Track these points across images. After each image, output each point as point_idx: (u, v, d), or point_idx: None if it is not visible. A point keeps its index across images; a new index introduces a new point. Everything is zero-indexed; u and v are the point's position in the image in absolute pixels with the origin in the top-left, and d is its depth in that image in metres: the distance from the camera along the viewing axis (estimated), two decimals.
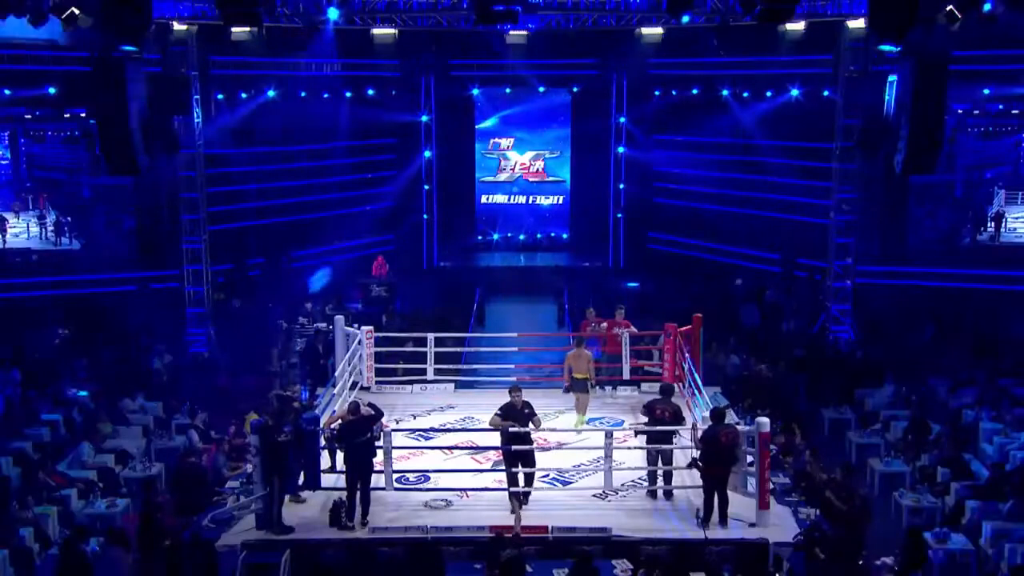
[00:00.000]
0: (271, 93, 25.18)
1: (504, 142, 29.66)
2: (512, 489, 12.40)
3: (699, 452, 12.09)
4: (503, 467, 12.67)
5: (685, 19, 16.99)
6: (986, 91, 23.28)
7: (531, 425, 12.49)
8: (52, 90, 22.42)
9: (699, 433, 12.30)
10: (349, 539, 11.64)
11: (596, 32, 20.71)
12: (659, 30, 19.32)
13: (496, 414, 12.61)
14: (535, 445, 12.99)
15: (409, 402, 16.37)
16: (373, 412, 12.35)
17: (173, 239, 21.80)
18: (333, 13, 17.43)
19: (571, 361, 15.16)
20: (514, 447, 12.45)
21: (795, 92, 24.75)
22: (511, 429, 12.44)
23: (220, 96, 23.98)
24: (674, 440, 12.88)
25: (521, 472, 12.51)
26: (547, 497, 12.64)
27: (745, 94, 26.18)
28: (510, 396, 12.66)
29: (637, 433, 13.20)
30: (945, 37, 14.69)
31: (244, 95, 24.77)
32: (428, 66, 26.90)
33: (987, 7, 14.38)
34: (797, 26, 18.38)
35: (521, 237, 29.93)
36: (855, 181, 21.11)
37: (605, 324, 16.48)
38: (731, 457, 11.98)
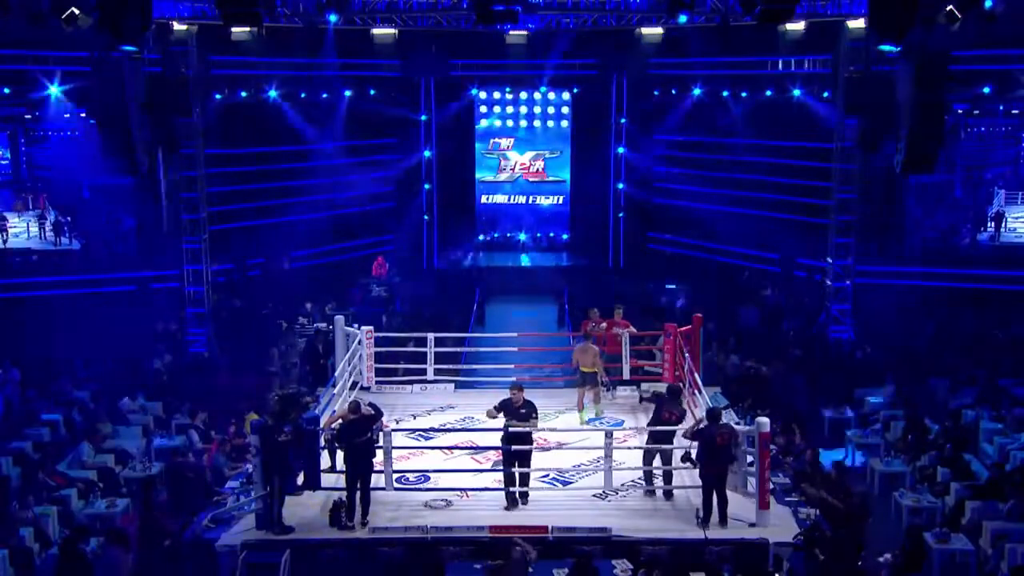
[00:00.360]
0: (272, 93, 25.19)
1: (504, 142, 29.64)
2: (511, 489, 12.42)
3: (694, 449, 12.11)
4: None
5: (683, 19, 16.98)
6: (986, 91, 23.28)
7: (529, 423, 12.48)
8: (53, 90, 22.39)
9: (695, 427, 12.35)
10: (349, 539, 11.64)
11: (596, 32, 20.71)
12: (659, 30, 19.34)
13: (493, 406, 12.69)
14: (535, 445, 13.03)
15: (409, 402, 16.37)
16: (373, 412, 12.36)
17: (173, 239, 21.79)
18: (333, 17, 17.46)
19: (577, 355, 15.28)
20: (513, 447, 12.46)
21: (795, 92, 24.74)
22: (511, 429, 12.47)
23: (220, 96, 23.98)
24: (674, 440, 12.90)
25: (517, 472, 12.54)
26: (547, 497, 12.65)
27: (744, 94, 26.17)
28: (510, 393, 12.69)
29: (642, 399, 13.03)
30: (945, 37, 14.69)
31: (244, 95, 24.77)
32: (428, 66, 26.89)
33: (988, 4, 14.38)
34: (797, 26, 18.38)
35: (521, 237, 29.92)
36: (855, 181, 21.11)
37: (605, 324, 16.49)
38: (728, 457, 11.98)
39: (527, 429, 12.54)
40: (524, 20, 17.53)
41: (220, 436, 15.73)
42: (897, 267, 23.87)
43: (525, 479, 12.60)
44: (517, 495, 12.45)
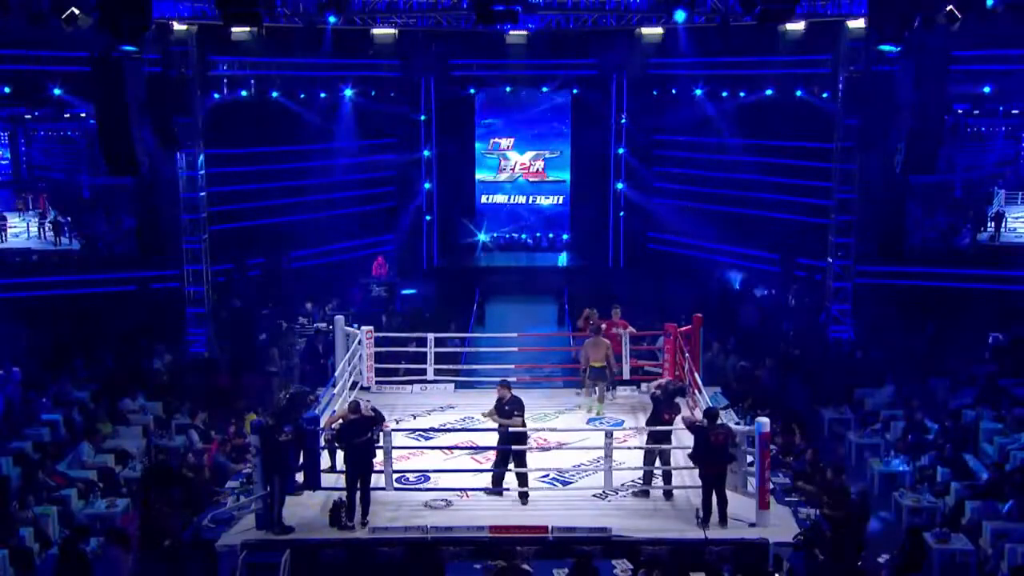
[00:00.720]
0: (272, 93, 25.17)
1: (504, 142, 29.64)
2: (495, 488, 12.57)
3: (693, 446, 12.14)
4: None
5: (681, 15, 16.96)
6: (986, 91, 23.27)
7: (512, 420, 12.55)
8: (56, 91, 22.39)
9: (693, 420, 12.39)
10: (349, 539, 11.65)
11: (596, 32, 20.70)
12: (659, 30, 19.33)
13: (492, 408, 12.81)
14: (535, 445, 13.05)
15: (409, 402, 16.37)
16: (374, 414, 12.35)
17: (173, 239, 21.80)
18: (332, 18, 17.48)
19: (588, 350, 15.27)
20: (501, 446, 12.59)
21: (796, 92, 24.72)
22: (511, 429, 12.51)
23: (219, 96, 23.98)
24: (673, 439, 12.92)
25: (514, 472, 12.59)
26: (547, 497, 12.66)
27: (743, 94, 26.15)
28: (497, 391, 12.81)
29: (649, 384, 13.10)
30: (945, 37, 14.70)
31: (244, 95, 24.78)
32: (428, 66, 26.89)
33: (989, 3, 14.39)
34: (797, 26, 18.37)
35: (522, 237, 29.93)
36: (855, 181, 21.11)
37: (604, 324, 16.48)
38: (727, 457, 11.97)
39: (514, 428, 12.55)
40: (524, 20, 17.53)
41: (220, 436, 15.73)
42: (897, 267, 23.86)
43: (521, 479, 12.61)
44: (517, 493, 12.50)
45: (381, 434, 12.44)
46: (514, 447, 12.58)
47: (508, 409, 12.60)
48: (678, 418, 12.83)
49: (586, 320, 16.71)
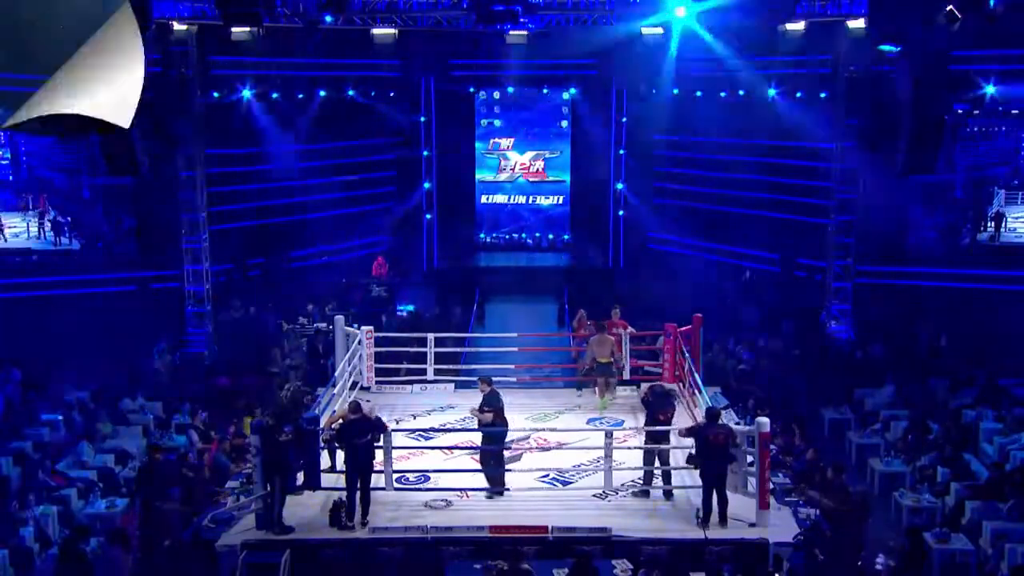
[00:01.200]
0: (273, 94, 25.18)
1: (504, 142, 29.61)
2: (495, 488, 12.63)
3: (693, 448, 12.14)
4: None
5: (681, 14, 16.96)
6: (988, 90, 23.27)
7: (482, 415, 12.68)
8: None
9: (692, 423, 12.40)
10: (349, 539, 11.65)
11: (596, 32, 20.71)
12: (659, 30, 19.34)
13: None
14: (535, 445, 13.06)
15: (409, 402, 16.37)
16: (375, 419, 12.33)
17: (173, 239, 21.81)
18: (328, 18, 17.51)
19: (594, 346, 15.35)
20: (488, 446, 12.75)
21: (797, 93, 24.71)
22: (482, 426, 12.69)
23: (218, 95, 23.98)
24: (671, 439, 12.93)
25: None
26: (547, 497, 12.66)
27: (742, 93, 26.12)
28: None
29: (644, 397, 13.33)
30: (945, 37, 14.71)
31: (244, 95, 24.77)
32: (428, 66, 26.87)
33: (991, 2, 14.40)
34: (797, 26, 18.39)
35: (522, 237, 29.91)
36: (855, 181, 21.11)
37: (604, 324, 16.49)
38: (727, 457, 11.98)
39: (485, 424, 12.65)
40: (524, 20, 17.56)
41: (220, 436, 15.74)
42: (897, 267, 23.88)
43: (492, 478, 12.64)
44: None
45: (382, 435, 12.44)
46: (483, 444, 12.71)
47: (480, 404, 12.71)
48: (675, 420, 12.82)
49: (580, 322, 16.77)
